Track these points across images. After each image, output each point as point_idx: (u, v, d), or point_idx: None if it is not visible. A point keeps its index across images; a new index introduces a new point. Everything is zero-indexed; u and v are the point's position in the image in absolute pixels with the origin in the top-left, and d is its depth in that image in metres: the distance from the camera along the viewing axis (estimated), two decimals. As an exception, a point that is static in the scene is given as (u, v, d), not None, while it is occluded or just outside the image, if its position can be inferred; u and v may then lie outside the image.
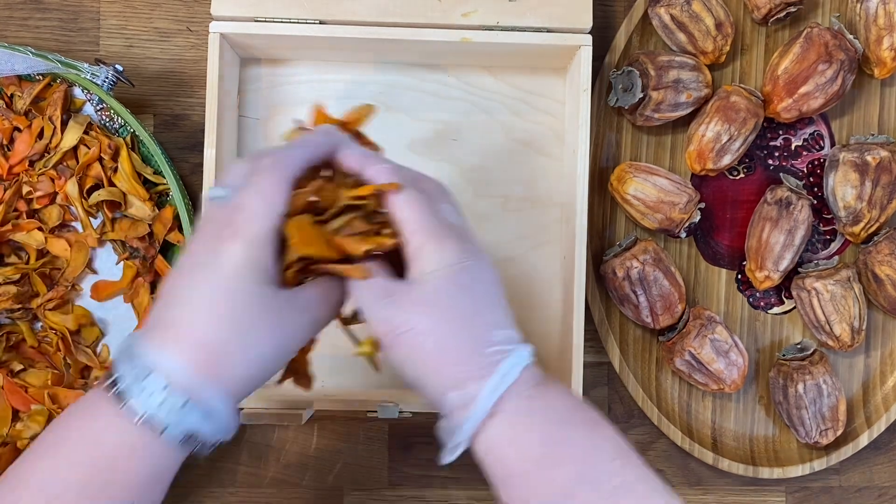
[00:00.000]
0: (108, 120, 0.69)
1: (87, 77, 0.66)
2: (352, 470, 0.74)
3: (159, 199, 0.69)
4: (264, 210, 0.47)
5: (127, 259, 0.69)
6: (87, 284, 0.70)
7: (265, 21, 0.66)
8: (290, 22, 0.66)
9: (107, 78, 0.66)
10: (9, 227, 0.68)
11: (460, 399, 0.48)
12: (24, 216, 0.68)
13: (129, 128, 0.68)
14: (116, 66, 0.66)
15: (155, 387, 0.45)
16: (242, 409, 0.65)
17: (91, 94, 0.69)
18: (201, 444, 0.47)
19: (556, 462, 0.48)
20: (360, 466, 0.74)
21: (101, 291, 0.70)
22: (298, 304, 0.49)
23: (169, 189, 0.67)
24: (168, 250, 0.70)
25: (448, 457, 0.49)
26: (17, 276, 0.68)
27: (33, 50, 0.66)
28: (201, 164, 0.66)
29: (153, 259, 0.69)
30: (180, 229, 0.68)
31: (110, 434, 0.46)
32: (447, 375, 0.48)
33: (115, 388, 0.46)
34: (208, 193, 0.51)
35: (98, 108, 0.69)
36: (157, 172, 0.68)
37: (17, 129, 0.68)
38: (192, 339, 0.46)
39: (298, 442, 0.74)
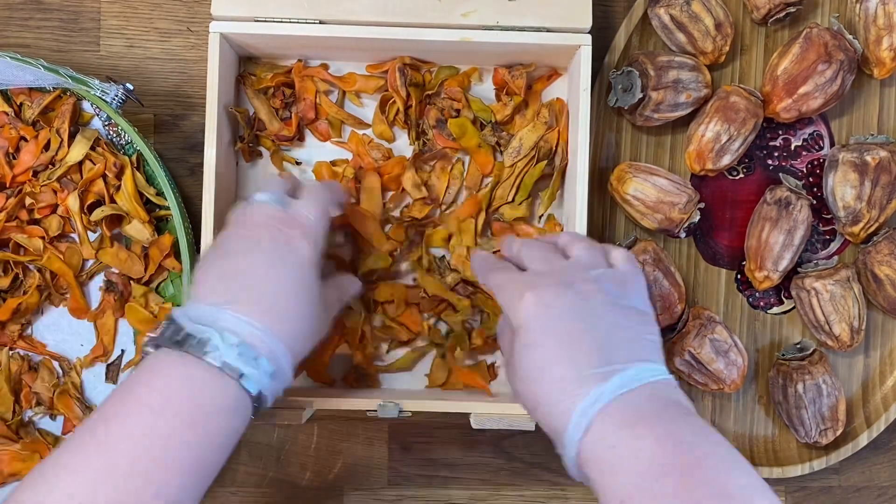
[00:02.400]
0: (115, 136, 0.69)
1: (97, 94, 0.66)
2: (352, 470, 0.74)
3: (158, 225, 0.70)
4: (322, 219, 0.59)
5: (104, 290, 0.69)
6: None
7: (265, 21, 0.66)
8: (290, 22, 0.66)
9: (116, 95, 0.66)
10: (13, 223, 0.68)
11: (558, 431, 0.51)
12: (25, 225, 0.68)
13: (135, 145, 0.68)
14: (127, 84, 0.66)
15: (232, 341, 0.52)
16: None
17: (100, 110, 0.69)
18: (264, 402, 0.54)
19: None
20: (360, 466, 0.74)
21: (75, 311, 0.70)
22: (334, 289, 0.62)
23: (170, 214, 0.68)
24: (157, 279, 0.70)
25: (572, 474, 0.52)
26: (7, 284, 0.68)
27: (45, 63, 0.65)
28: (201, 164, 0.66)
29: (128, 297, 0.69)
30: (177, 256, 0.68)
31: (195, 379, 0.51)
32: (544, 409, 0.52)
33: (192, 343, 0.51)
34: (257, 196, 0.59)
35: (106, 123, 0.70)
36: (160, 194, 0.68)
37: (23, 138, 0.68)
38: (275, 312, 0.54)
39: (298, 442, 0.74)
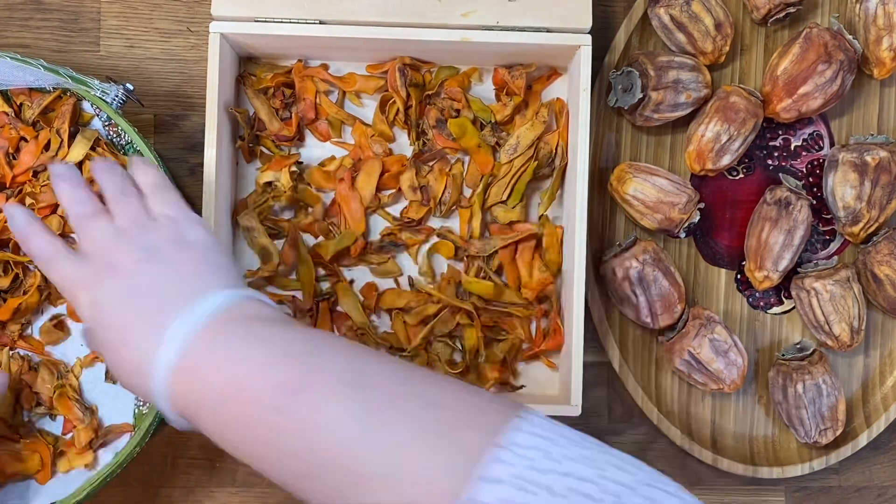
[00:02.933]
0: (115, 136, 0.69)
1: (97, 94, 0.66)
2: (352, 470, 0.74)
3: None
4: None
5: None
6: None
7: (265, 21, 0.66)
8: (290, 22, 0.66)
9: (116, 96, 0.66)
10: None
11: (146, 370, 0.49)
12: None
13: (135, 146, 0.68)
14: (127, 84, 0.66)
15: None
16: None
17: (100, 110, 0.69)
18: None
19: (228, 414, 0.47)
20: (359, 466, 0.74)
21: (74, 312, 0.70)
22: None
23: None
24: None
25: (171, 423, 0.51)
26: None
27: (45, 63, 0.65)
28: (201, 164, 0.66)
29: None
30: None
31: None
32: (129, 369, 0.51)
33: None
34: None
35: (106, 123, 0.70)
36: None
37: (23, 139, 0.68)
38: None
39: (298, 442, 0.74)
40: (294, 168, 0.70)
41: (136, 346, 0.50)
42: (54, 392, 0.69)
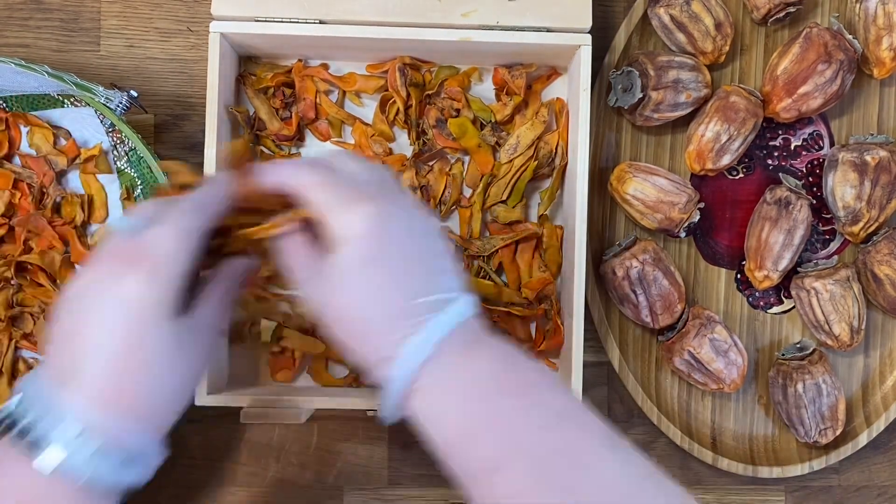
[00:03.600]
0: (118, 143, 0.70)
1: (101, 101, 0.65)
2: (352, 470, 0.74)
3: None
4: (182, 245, 0.46)
5: None
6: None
7: (265, 21, 0.66)
8: (290, 22, 0.66)
9: (120, 103, 0.66)
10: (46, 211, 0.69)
11: (387, 364, 0.46)
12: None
13: (138, 152, 0.68)
14: (131, 91, 0.66)
15: (70, 434, 0.43)
16: (242, 408, 0.65)
17: (103, 116, 0.69)
18: (129, 486, 0.46)
19: (478, 434, 0.46)
20: (360, 466, 0.74)
21: None
22: (200, 325, 0.48)
23: None
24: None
25: (384, 420, 0.48)
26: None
27: (49, 70, 0.65)
28: (201, 165, 0.66)
29: None
30: None
31: (27, 489, 0.43)
32: (375, 343, 0.47)
33: (26, 438, 0.43)
34: (113, 225, 0.49)
35: (109, 130, 0.70)
36: None
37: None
38: (115, 387, 0.45)
39: (298, 442, 0.74)
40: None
41: (394, 315, 0.47)
42: None
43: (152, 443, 0.47)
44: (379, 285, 0.47)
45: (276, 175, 0.50)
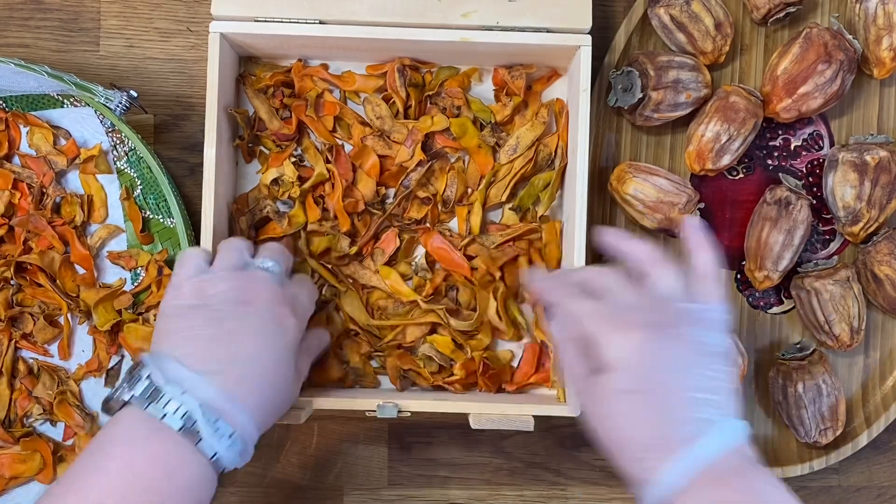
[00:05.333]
0: (118, 143, 0.70)
1: (101, 101, 0.65)
2: (352, 470, 0.74)
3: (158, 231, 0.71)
4: (312, 303, 0.64)
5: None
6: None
7: (265, 21, 0.66)
8: (290, 22, 0.66)
9: (120, 103, 0.66)
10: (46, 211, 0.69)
11: (644, 485, 0.51)
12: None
13: (138, 152, 0.68)
14: (131, 91, 0.66)
15: (225, 431, 0.54)
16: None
17: (103, 117, 0.69)
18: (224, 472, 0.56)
19: None
20: (360, 466, 0.74)
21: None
22: (306, 354, 0.64)
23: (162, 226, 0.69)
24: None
25: None
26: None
27: (49, 70, 0.65)
28: (201, 164, 0.66)
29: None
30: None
31: (186, 468, 0.53)
32: (636, 462, 0.52)
33: (185, 427, 0.53)
34: (264, 264, 0.62)
35: (109, 130, 0.70)
36: (157, 205, 0.70)
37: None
38: (258, 393, 0.57)
39: (298, 442, 0.74)
40: (294, 158, 0.70)
41: (650, 437, 0.51)
42: (55, 398, 0.69)
43: (255, 440, 0.57)
44: (640, 414, 0.52)
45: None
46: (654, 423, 0.52)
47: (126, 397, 0.54)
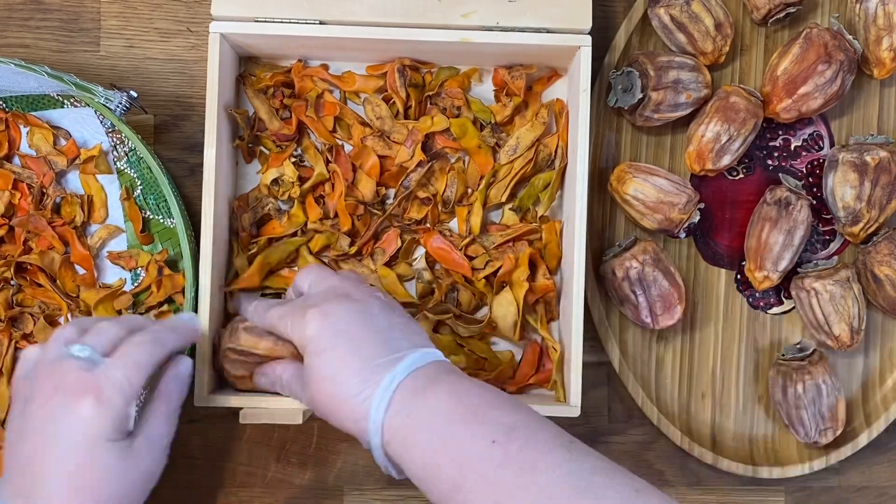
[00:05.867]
0: (118, 143, 0.70)
1: (101, 101, 0.65)
2: (352, 469, 0.74)
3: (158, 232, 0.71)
4: (131, 387, 0.54)
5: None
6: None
7: (265, 21, 0.66)
8: (290, 22, 0.66)
9: (120, 103, 0.65)
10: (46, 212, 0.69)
11: (362, 423, 0.54)
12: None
13: (138, 153, 0.68)
14: (131, 91, 0.66)
15: None
16: (242, 408, 0.65)
17: (103, 117, 0.69)
18: None
19: (439, 461, 0.51)
20: (360, 466, 0.74)
21: None
22: (146, 443, 0.55)
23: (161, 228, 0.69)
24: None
25: (390, 474, 0.56)
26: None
27: (49, 70, 0.65)
28: (201, 164, 0.66)
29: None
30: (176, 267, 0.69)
31: None
32: (349, 409, 0.55)
33: None
34: (69, 349, 0.55)
35: (109, 131, 0.70)
36: (157, 206, 0.70)
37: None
38: (60, 495, 0.51)
39: (298, 442, 0.74)
40: (294, 158, 0.70)
41: (358, 379, 0.54)
42: None
43: None
44: (336, 365, 0.55)
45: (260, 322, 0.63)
46: (350, 370, 0.55)
47: None
